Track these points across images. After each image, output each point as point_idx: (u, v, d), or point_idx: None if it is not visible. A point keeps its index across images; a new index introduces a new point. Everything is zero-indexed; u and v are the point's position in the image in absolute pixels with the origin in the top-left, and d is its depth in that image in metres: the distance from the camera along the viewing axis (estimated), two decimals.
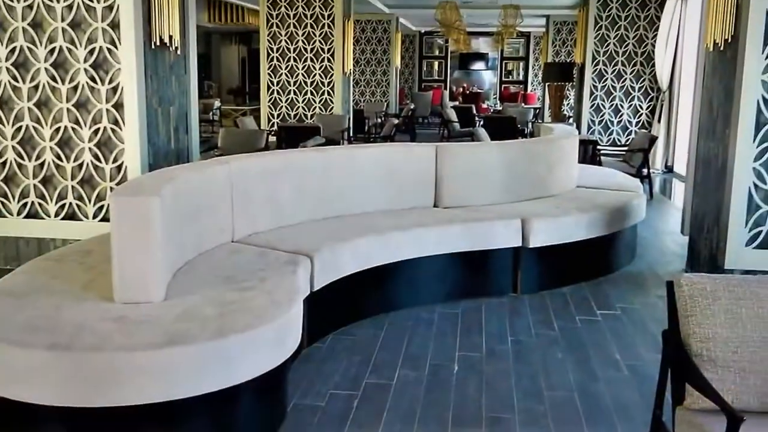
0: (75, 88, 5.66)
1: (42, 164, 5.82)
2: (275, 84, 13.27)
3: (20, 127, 5.78)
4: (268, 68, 13.25)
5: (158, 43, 5.71)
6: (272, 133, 11.71)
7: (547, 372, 4.27)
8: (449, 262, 5.42)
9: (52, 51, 5.64)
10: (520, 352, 4.58)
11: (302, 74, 13.14)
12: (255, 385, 3.28)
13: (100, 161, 5.74)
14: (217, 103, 20.67)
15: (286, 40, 13.07)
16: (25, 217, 5.93)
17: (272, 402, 3.58)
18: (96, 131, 5.70)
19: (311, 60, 13.07)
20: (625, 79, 12.89)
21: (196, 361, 3.01)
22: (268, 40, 13.14)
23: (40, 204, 5.90)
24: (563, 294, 5.71)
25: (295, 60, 13.10)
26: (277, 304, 3.48)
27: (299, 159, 5.32)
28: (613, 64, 12.87)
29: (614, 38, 12.78)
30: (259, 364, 3.25)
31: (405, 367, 4.30)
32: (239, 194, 4.74)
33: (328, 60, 13.04)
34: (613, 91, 12.94)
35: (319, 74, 13.11)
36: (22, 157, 5.82)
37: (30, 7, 5.59)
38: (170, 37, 5.81)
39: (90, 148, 5.73)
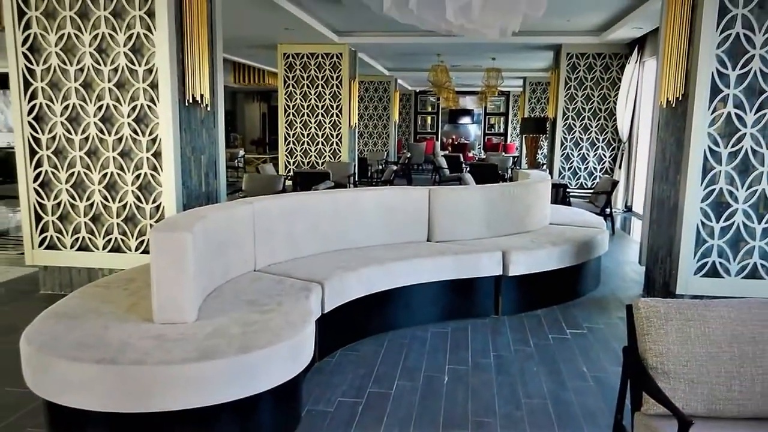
0: (120, 139, 5.73)
1: (91, 204, 5.87)
2: (291, 136, 13.38)
3: (73, 173, 5.85)
4: (285, 122, 13.38)
5: (191, 101, 5.80)
6: (289, 178, 11.77)
7: (524, 382, 4.27)
8: (440, 288, 5.44)
9: (100, 107, 5.72)
10: (501, 365, 4.58)
11: (314, 127, 13.25)
12: (274, 393, 3.30)
13: (141, 202, 5.79)
14: (241, 152, 20.70)
15: (300, 98, 13.21)
16: (77, 249, 5.97)
17: (288, 408, 3.58)
18: (138, 176, 5.76)
19: (322, 115, 13.20)
20: (591, 131, 12.96)
21: (224, 373, 3.02)
22: (285, 98, 13.29)
23: (90, 239, 5.94)
24: (538, 316, 5.72)
25: (308, 115, 13.24)
26: (292, 325, 3.50)
27: (312, 200, 5.34)
28: (580, 118, 12.95)
29: (581, 96, 12.88)
30: (278, 376, 3.25)
31: (402, 379, 4.30)
32: (261, 230, 4.78)
33: (337, 115, 13.17)
34: (580, 141, 13.01)
35: (329, 127, 13.23)
36: (74, 198, 5.88)
37: (81, 69, 5.69)
38: (201, 95, 5.90)
39: (132, 191, 5.79)
